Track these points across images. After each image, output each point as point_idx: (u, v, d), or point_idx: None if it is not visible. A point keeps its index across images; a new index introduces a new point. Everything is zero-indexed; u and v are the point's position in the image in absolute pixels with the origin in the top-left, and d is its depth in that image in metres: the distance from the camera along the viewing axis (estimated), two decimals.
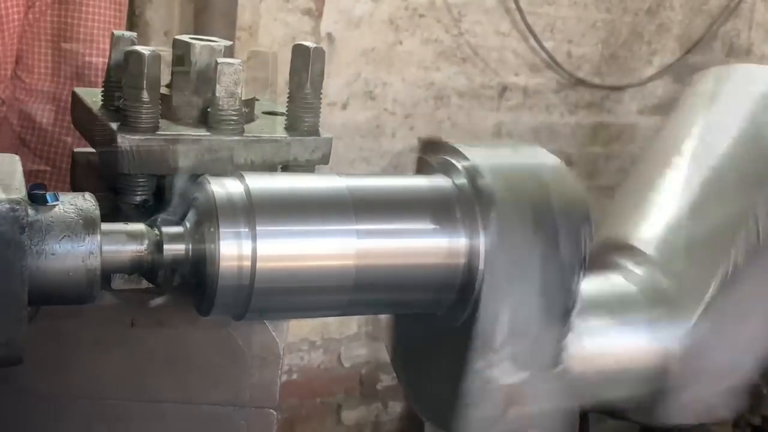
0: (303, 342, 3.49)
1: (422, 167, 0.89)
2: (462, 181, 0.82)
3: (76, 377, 1.03)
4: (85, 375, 1.03)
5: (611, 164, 3.86)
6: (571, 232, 0.81)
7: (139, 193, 1.00)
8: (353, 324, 3.62)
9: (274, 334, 1.11)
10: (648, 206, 1.00)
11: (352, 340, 3.63)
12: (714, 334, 0.92)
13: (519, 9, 3.46)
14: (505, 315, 0.81)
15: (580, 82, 3.70)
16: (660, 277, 0.94)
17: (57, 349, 1.00)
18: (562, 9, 3.61)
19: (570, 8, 3.63)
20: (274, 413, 1.12)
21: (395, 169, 3.42)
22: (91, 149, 1.12)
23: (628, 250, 0.98)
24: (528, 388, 0.85)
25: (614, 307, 0.93)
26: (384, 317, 0.98)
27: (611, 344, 0.93)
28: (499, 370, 0.84)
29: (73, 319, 0.99)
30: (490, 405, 0.85)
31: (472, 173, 0.81)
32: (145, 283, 1.00)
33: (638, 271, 0.96)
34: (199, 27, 2.47)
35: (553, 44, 3.61)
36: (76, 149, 1.18)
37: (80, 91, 1.14)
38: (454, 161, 0.84)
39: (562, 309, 0.83)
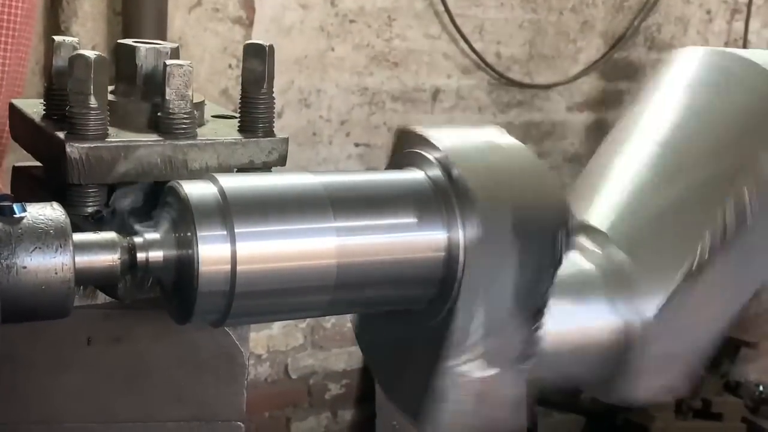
0: (249, 356, 3.44)
1: (394, 161, 0.87)
2: (436, 173, 0.81)
3: (32, 402, 0.98)
4: (41, 399, 0.98)
5: (544, 161, 3.92)
6: (547, 232, 0.80)
7: (89, 203, 0.96)
8: (299, 334, 3.58)
9: (238, 342, 1.08)
10: (605, 185, 1.00)
11: (299, 351, 3.59)
12: (676, 319, 0.93)
13: (448, 12, 3.48)
14: (481, 312, 0.80)
15: (510, 82, 3.74)
16: (620, 258, 0.94)
17: (10, 374, 0.95)
18: (489, 11, 3.65)
19: (497, 9, 3.67)
20: (242, 426, 1.08)
21: None
22: (33, 163, 1.07)
23: (584, 228, 0.97)
24: (498, 383, 0.85)
25: (574, 285, 0.93)
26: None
27: (573, 322, 0.92)
28: (472, 366, 0.83)
29: (26, 341, 0.94)
30: (462, 399, 0.84)
31: (445, 164, 0.80)
32: (101, 298, 0.96)
33: (596, 249, 0.95)
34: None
35: (482, 45, 3.64)
36: (17, 164, 1.12)
37: (18, 102, 1.09)
38: (425, 153, 0.82)
39: (535, 308, 0.83)
